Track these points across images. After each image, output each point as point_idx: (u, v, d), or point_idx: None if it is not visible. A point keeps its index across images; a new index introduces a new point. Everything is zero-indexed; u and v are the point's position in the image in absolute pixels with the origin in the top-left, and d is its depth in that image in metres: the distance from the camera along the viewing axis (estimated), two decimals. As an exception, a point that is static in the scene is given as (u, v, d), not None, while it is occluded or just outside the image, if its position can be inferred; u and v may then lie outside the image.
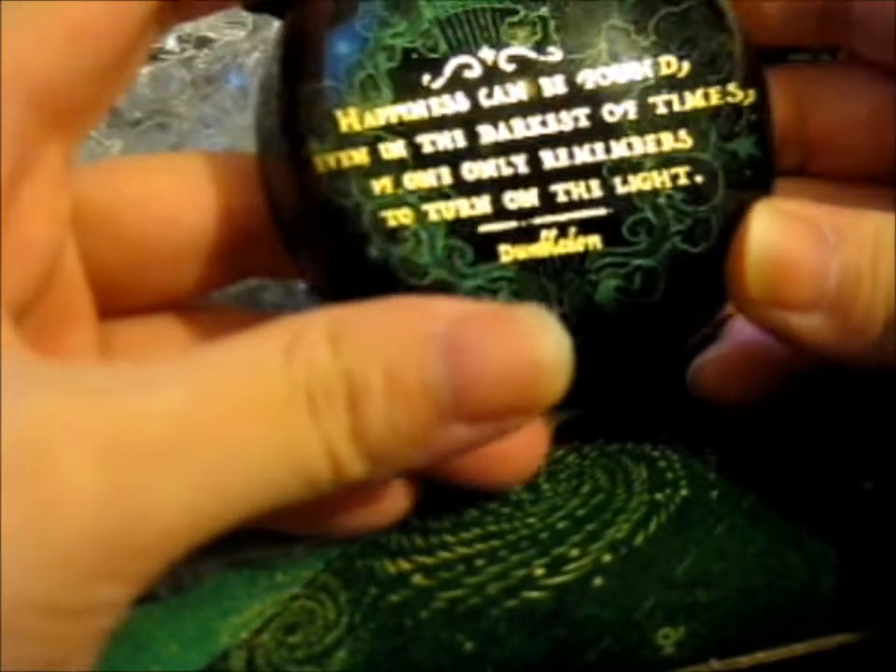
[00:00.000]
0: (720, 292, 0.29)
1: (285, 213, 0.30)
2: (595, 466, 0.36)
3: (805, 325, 0.29)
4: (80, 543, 0.22)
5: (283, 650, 0.33)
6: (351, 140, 0.28)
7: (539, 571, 0.34)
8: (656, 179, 0.28)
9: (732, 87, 0.28)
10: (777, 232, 0.28)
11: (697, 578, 0.34)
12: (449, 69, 0.27)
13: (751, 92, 0.28)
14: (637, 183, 0.28)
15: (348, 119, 0.27)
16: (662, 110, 0.27)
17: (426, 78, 0.28)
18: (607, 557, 0.35)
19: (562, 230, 0.28)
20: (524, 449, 0.32)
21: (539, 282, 0.28)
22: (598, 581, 0.34)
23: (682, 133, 0.28)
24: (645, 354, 0.30)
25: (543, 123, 0.28)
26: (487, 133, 0.28)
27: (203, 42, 0.48)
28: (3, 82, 0.27)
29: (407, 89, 0.28)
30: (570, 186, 0.28)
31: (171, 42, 0.48)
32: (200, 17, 0.33)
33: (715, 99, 0.28)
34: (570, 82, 0.27)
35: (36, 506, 0.22)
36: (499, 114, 0.28)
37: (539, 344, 0.24)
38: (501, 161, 0.28)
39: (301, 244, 0.30)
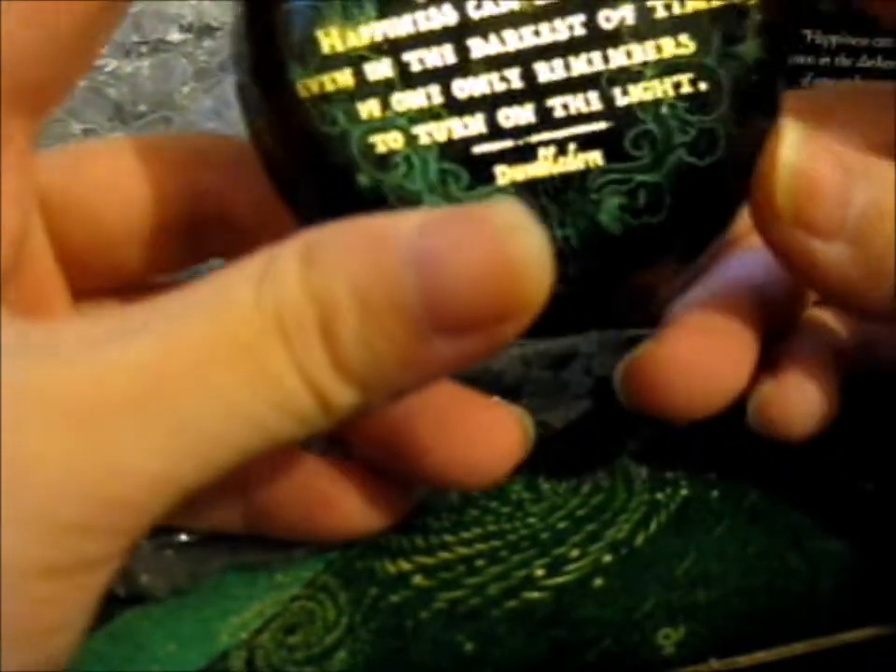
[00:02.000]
0: (727, 210, 0.29)
1: (269, 147, 0.29)
2: (596, 465, 0.36)
3: (827, 253, 0.28)
4: (58, 499, 0.22)
5: (282, 650, 0.33)
6: (335, 62, 0.26)
7: (540, 572, 0.34)
8: (658, 88, 0.26)
9: None
10: (808, 150, 0.28)
11: (697, 578, 0.34)
12: None
13: None
14: (637, 93, 0.26)
15: (330, 40, 0.26)
16: (661, 13, 0.26)
17: None
18: (607, 557, 0.35)
19: (561, 147, 0.27)
20: (498, 447, 0.32)
21: (539, 203, 0.27)
22: (598, 581, 0.34)
23: (684, 38, 0.26)
24: (652, 275, 0.29)
25: (536, 33, 0.26)
26: (478, 47, 0.26)
27: (203, 31, 0.48)
28: None
29: (392, 2, 0.26)
30: (568, 99, 0.26)
31: (172, 32, 0.48)
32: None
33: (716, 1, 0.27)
34: None
35: (12, 470, 0.22)
36: (490, 26, 0.26)
37: (513, 242, 0.23)
38: (494, 76, 0.27)
39: (287, 178, 0.29)
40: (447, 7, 0.26)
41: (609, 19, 0.26)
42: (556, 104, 0.26)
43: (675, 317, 0.32)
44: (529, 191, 0.27)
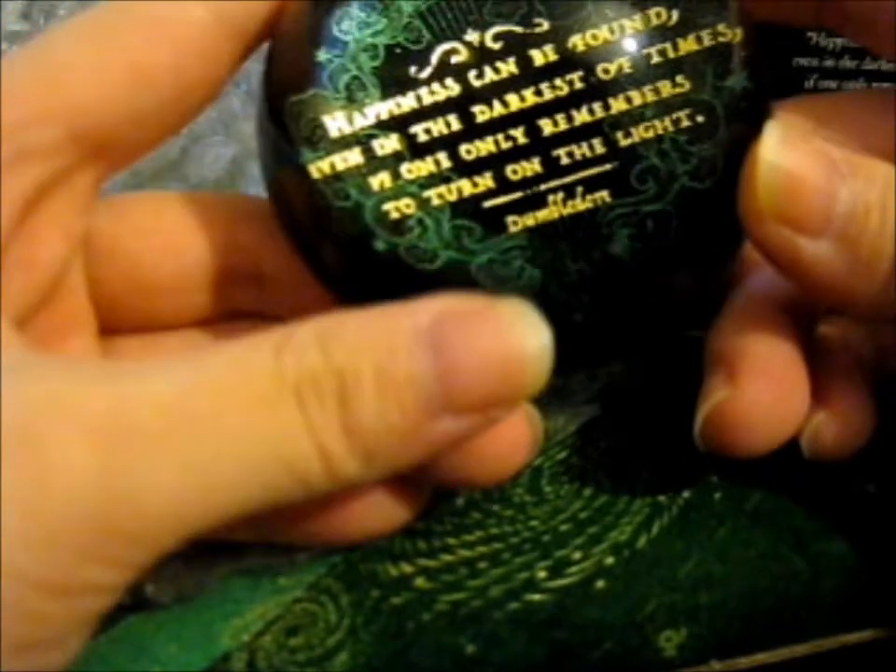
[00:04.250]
0: (733, 228, 0.29)
1: (290, 220, 0.30)
2: (598, 468, 0.36)
3: (814, 251, 0.28)
4: (70, 521, 0.23)
5: (284, 652, 0.33)
6: (343, 143, 0.28)
7: (542, 574, 0.34)
8: (658, 126, 0.27)
9: (722, 27, 0.28)
10: (789, 147, 0.28)
11: (699, 580, 0.34)
12: (435, 57, 0.27)
13: (739, 31, 0.28)
14: (639, 133, 0.27)
15: (337, 124, 0.27)
16: (657, 59, 0.27)
17: (412, 70, 0.27)
18: (609, 560, 0.35)
19: (569, 191, 0.28)
20: (508, 447, 0.32)
21: (551, 244, 0.28)
22: (600, 583, 0.34)
23: (679, 78, 0.28)
24: (666, 300, 0.30)
25: (538, 93, 0.27)
26: (482, 113, 0.27)
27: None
28: (48, 106, 0.28)
29: (394, 83, 0.27)
30: (573, 148, 0.28)
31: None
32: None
33: (707, 41, 0.27)
34: (561, 49, 0.27)
35: (29, 483, 0.23)
36: (492, 92, 0.27)
37: (521, 335, 0.25)
38: (500, 136, 0.28)
39: (309, 248, 0.30)
40: (449, 81, 0.27)
41: (606, 70, 0.27)
42: (562, 153, 0.28)
43: (728, 355, 0.32)
44: (541, 235, 0.28)
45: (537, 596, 0.34)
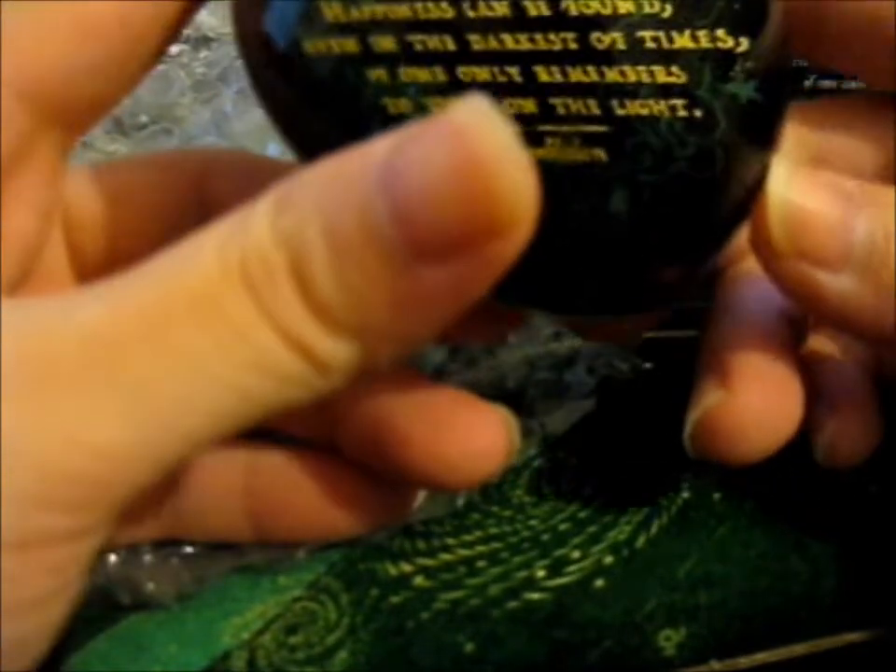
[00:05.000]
0: (723, 225, 0.29)
1: (279, 103, 0.28)
2: (597, 468, 0.36)
3: (836, 285, 0.28)
4: (17, 473, 0.21)
5: (284, 650, 0.33)
6: (339, 28, 0.26)
7: (541, 573, 0.34)
8: (654, 107, 0.26)
9: (721, 33, 0.26)
10: (799, 180, 0.28)
11: (699, 579, 0.34)
12: None
13: (744, 40, 0.27)
14: (635, 108, 0.26)
15: (333, 11, 0.26)
16: (651, 44, 0.26)
17: None
18: (608, 559, 0.35)
19: (566, 139, 0.26)
20: (482, 447, 0.32)
21: (550, 182, 0.26)
22: (600, 582, 0.34)
23: (675, 69, 0.26)
24: (656, 275, 0.29)
25: (532, 40, 0.26)
26: (477, 42, 0.26)
27: (201, 43, 0.48)
28: None
29: None
30: (568, 101, 0.26)
31: (170, 44, 0.48)
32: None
33: (704, 42, 0.26)
34: (554, 7, 0.26)
35: None
36: (486, 25, 0.26)
37: (474, 138, 0.20)
38: (495, 68, 0.26)
39: (299, 132, 0.28)
40: (444, 3, 0.26)
41: (600, 40, 0.26)
42: (557, 102, 0.26)
43: (721, 360, 0.32)
44: (539, 170, 0.27)
45: (536, 595, 0.34)
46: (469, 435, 0.30)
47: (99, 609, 0.33)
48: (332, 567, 0.35)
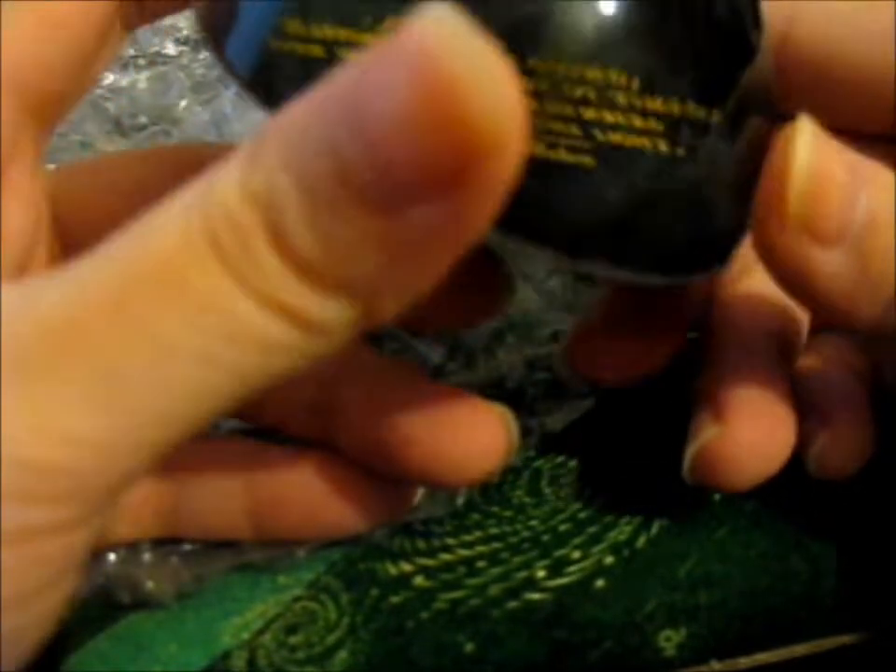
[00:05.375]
0: (717, 244, 0.28)
1: (249, 78, 0.26)
2: (597, 468, 0.36)
3: (826, 263, 0.27)
4: None
5: (284, 650, 0.33)
6: (305, 38, 0.25)
7: (541, 573, 0.34)
8: (636, 141, 0.26)
9: (691, 104, 0.26)
10: (820, 147, 0.27)
11: (699, 580, 0.34)
12: None
13: (717, 113, 0.26)
14: (617, 138, 0.25)
15: (293, 27, 0.25)
16: (622, 101, 0.25)
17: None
18: (608, 559, 0.35)
19: (551, 145, 0.25)
20: (480, 445, 0.32)
21: (533, 182, 0.24)
22: (600, 582, 0.34)
23: (652, 122, 0.26)
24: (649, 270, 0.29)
25: None
26: None
27: (200, 44, 0.48)
28: None
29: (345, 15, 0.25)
30: (549, 124, 0.25)
31: (169, 45, 0.48)
32: (167, 15, 0.32)
33: (676, 109, 0.26)
34: (521, 63, 0.24)
35: None
36: None
37: (440, 53, 0.17)
38: None
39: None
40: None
41: (572, 89, 0.25)
42: (538, 122, 0.25)
43: (715, 395, 0.32)
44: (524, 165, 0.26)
45: (536, 595, 0.34)
46: (470, 433, 0.30)
47: (98, 608, 0.33)
48: (332, 567, 0.35)
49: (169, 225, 0.20)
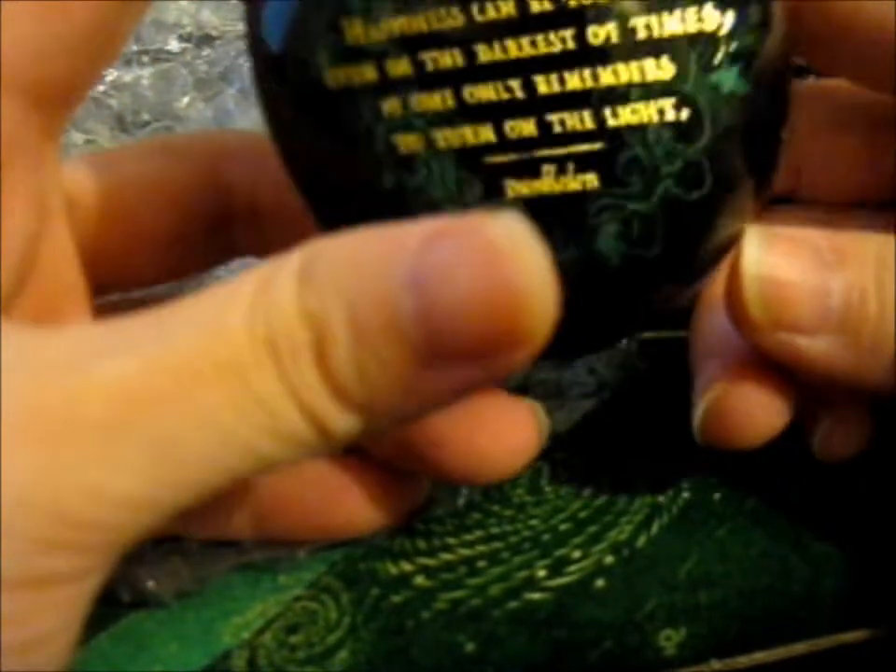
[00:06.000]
0: (719, 244, 0.29)
1: (291, 142, 0.29)
2: (598, 467, 0.36)
3: (815, 348, 0.28)
4: (25, 515, 0.22)
5: (284, 650, 0.33)
6: (359, 53, 0.27)
7: (541, 573, 0.34)
8: (643, 112, 0.27)
9: (708, 8, 0.27)
10: (771, 253, 0.28)
11: (699, 579, 0.34)
12: None
13: (730, 14, 0.27)
14: (626, 115, 0.27)
15: (354, 31, 0.27)
16: (642, 34, 0.27)
17: None
18: (609, 559, 0.35)
19: (561, 165, 0.27)
20: (515, 441, 0.32)
21: (543, 222, 0.25)
22: (600, 582, 0.34)
23: (664, 61, 0.27)
24: (644, 307, 0.30)
25: (533, 44, 0.27)
26: (484, 53, 0.27)
27: (203, 41, 0.48)
28: None
29: (405, 1, 0.27)
30: (565, 116, 0.27)
31: (172, 42, 0.48)
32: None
33: (692, 23, 0.27)
34: (555, 1, 0.26)
35: None
36: (492, 31, 0.27)
37: (514, 266, 0.21)
38: (499, 84, 0.27)
39: (310, 177, 0.29)
40: (454, 9, 0.26)
41: (596, 35, 0.26)
42: (555, 119, 0.27)
43: (718, 347, 0.32)
44: (534, 209, 0.27)
45: (536, 595, 0.34)
46: (505, 430, 0.31)
47: (99, 606, 0.33)
48: (333, 567, 0.35)
49: (235, 322, 0.22)
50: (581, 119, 0.27)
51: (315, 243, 0.23)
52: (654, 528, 0.35)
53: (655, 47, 0.27)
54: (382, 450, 0.32)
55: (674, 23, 0.27)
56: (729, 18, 0.27)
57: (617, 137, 0.27)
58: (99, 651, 0.33)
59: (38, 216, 0.29)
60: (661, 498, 0.36)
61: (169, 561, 0.34)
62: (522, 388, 0.38)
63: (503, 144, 0.27)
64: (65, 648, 0.24)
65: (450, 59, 0.27)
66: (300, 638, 0.33)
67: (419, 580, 0.34)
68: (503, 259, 0.21)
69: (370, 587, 0.34)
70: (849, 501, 0.35)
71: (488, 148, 0.27)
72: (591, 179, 0.27)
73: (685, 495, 0.36)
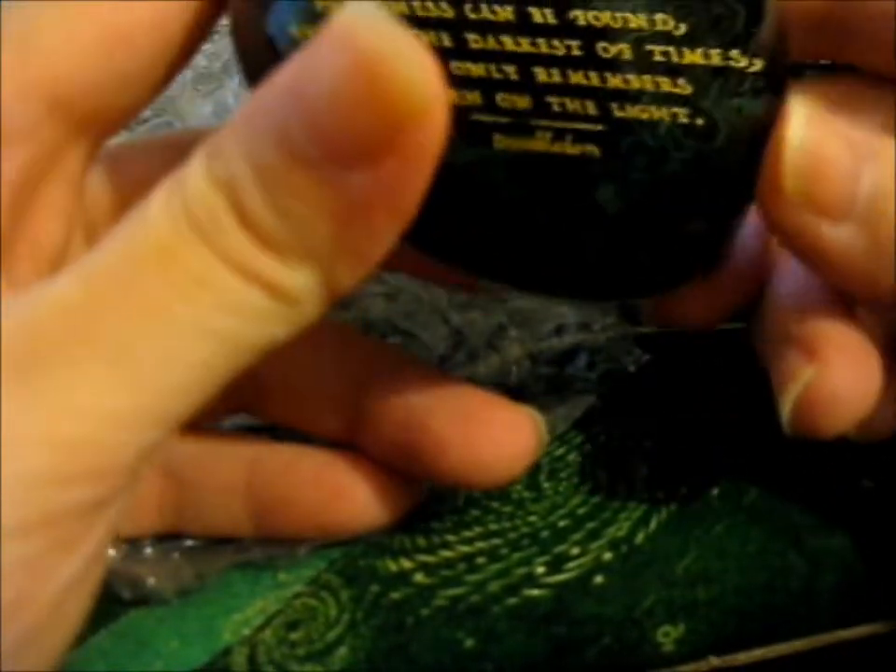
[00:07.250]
0: (725, 223, 0.29)
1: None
2: (596, 464, 0.36)
3: (836, 237, 0.27)
4: (22, 450, 0.22)
5: (284, 646, 0.33)
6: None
7: (540, 569, 0.34)
8: (654, 113, 0.26)
9: (734, 53, 0.26)
10: (814, 127, 0.27)
11: (697, 576, 0.34)
12: None
13: (758, 62, 0.26)
14: (635, 112, 0.26)
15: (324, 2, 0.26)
16: (659, 58, 0.26)
17: None
18: (607, 555, 0.35)
19: (558, 133, 0.26)
20: (513, 446, 0.32)
21: (537, 173, 0.26)
22: (599, 578, 0.34)
23: (681, 81, 0.26)
24: (635, 270, 0.29)
25: (534, 44, 0.26)
26: (475, 41, 0.26)
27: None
28: (23, 82, 0.27)
29: None
30: (566, 100, 0.26)
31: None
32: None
33: (716, 60, 0.26)
34: (561, 16, 0.25)
35: None
36: (486, 28, 0.26)
37: (360, 38, 0.20)
38: (491, 66, 0.26)
39: None
40: (444, 3, 0.26)
41: (606, 49, 0.26)
42: (553, 101, 0.26)
43: (802, 335, 0.31)
44: (526, 161, 0.26)
45: (535, 591, 0.34)
46: (504, 436, 0.31)
47: (99, 604, 0.34)
48: (333, 564, 0.35)
49: (158, 212, 0.22)
50: (584, 107, 0.26)
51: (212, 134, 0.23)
52: (652, 525, 0.35)
53: (672, 69, 0.26)
54: (381, 453, 0.33)
55: (695, 57, 0.26)
56: (757, 63, 0.26)
57: (623, 125, 0.26)
58: (99, 649, 0.33)
59: (69, 228, 0.29)
60: (659, 495, 0.36)
61: (169, 558, 0.34)
62: (522, 384, 0.38)
63: (492, 108, 0.26)
64: (83, 604, 0.25)
65: (435, 39, 0.26)
66: (300, 635, 0.33)
67: (418, 576, 0.34)
68: (353, 36, 0.20)
69: (369, 584, 0.34)
70: (848, 497, 0.35)
71: (475, 109, 0.26)
72: (591, 149, 0.26)
73: (683, 491, 0.36)
